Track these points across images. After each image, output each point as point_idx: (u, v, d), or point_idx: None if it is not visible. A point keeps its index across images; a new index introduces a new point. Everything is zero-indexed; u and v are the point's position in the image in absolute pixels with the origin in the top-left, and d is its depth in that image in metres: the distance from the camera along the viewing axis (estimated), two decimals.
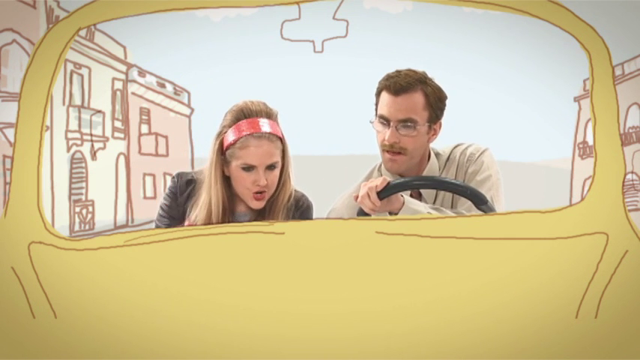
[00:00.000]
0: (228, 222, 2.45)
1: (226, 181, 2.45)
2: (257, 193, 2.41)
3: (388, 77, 2.50)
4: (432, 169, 2.58)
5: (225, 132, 2.42)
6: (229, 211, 2.47)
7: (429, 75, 2.53)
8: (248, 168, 2.39)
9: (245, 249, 1.71)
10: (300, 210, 2.50)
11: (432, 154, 2.60)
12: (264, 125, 2.39)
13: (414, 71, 2.52)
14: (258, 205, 2.43)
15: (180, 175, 2.54)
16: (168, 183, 2.55)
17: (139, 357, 1.61)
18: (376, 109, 2.55)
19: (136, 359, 1.61)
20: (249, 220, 2.47)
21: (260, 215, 2.47)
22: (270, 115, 2.43)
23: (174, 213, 2.50)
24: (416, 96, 2.47)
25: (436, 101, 2.51)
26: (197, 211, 2.46)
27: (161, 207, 2.53)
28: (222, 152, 2.43)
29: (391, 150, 2.49)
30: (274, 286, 1.65)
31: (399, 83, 2.46)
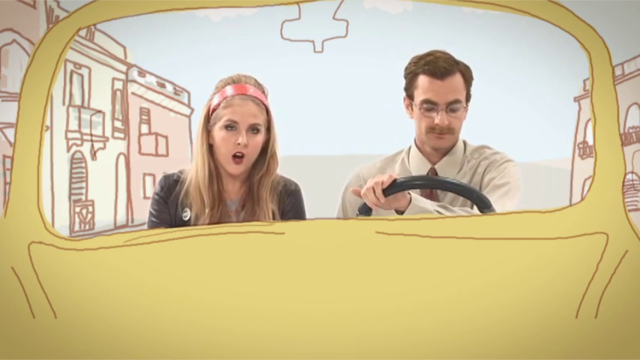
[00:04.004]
0: (218, 199, 2.45)
1: (210, 149, 2.46)
2: (236, 157, 2.41)
3: (426, 62, 2.55)
4: (457, 150, 2.62)
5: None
6: (218, 194, 2.46)
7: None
8: (231, 126, 2.39)
9: (245, 249, 1.70)
10: (292, 194, 2.51)
11: (460, 139, 2.65)
12: (251, 89, 2.43)
13: (445, 53, 2.58)
14: (236, 169, 2.43)
15: (166, 178, 2.53)
16: (156, 187, 2.54)
17: (139, 357, 1.61)
18: (410, 93, 2.59)
19: (135, 359, 1.61)
20: (239, 206, 2.47)
21: (249, 198, 2.47)
22: (259, 86, 2.46)
23: (165, 217, 2.49)
24: (457, 77, 2.55)
25: (470, 79, 2.59)
26: (188, 177, 2.47)
27: (150, 212, 2.52)
28: (209, 119, 2.45)
29: (441, 132, 2.54)
30: (274, 286, 1.64)
31: (443, 67, 2.52)
